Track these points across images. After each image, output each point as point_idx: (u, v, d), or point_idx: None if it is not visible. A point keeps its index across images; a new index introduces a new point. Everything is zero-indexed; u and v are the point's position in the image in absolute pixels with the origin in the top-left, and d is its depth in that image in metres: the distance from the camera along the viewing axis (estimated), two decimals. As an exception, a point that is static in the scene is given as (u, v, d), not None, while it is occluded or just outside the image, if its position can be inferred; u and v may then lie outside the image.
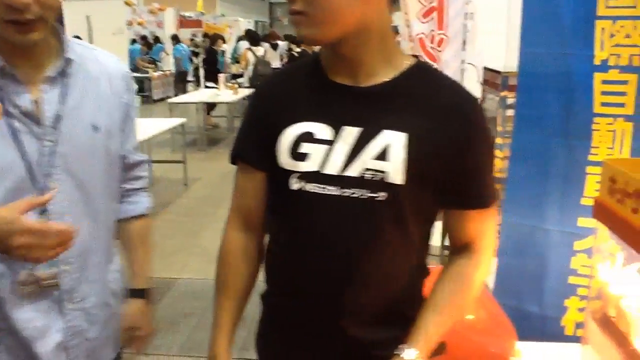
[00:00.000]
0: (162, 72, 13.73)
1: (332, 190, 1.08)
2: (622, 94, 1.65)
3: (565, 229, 1.71)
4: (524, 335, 1.64)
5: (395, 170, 1.05)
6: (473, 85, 2.96)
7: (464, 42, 3.30)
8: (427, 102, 1.09)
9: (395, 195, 1.06)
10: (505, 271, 1.82)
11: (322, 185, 1.08)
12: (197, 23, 16.79)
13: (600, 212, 1.26)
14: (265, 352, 1.26)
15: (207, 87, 9.89)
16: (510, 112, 1.97)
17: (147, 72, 13.14)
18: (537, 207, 1.75)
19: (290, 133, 1.11)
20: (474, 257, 1.16)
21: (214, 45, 10.85)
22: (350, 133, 1.08)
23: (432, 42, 3.37)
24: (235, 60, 11.84)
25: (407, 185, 1.06)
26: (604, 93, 1.66)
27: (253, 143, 1.18)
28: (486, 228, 1.17)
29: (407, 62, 1.12)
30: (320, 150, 1.09)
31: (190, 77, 13.44)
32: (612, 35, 1.64)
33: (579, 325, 1.75)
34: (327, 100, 1.12)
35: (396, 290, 1.14)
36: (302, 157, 1.10)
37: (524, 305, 1.78)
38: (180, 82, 12.89)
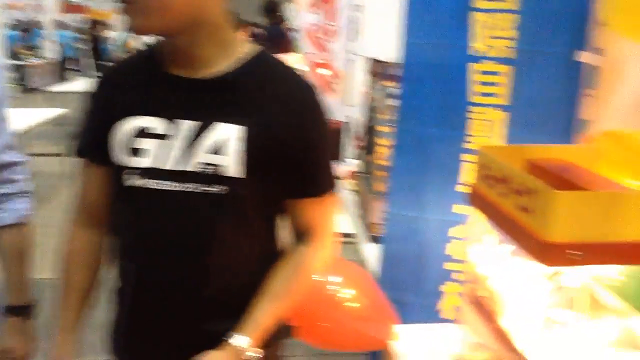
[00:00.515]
0: (43, 60, 12.87)
1: (168, 185, 1.06)
2: (496, 84, 1.72)
3: (442, 216, 1.76)
4: (404, 323, 1.68)
5: (233, 164, 1.05)
6: (361, 76, 2.99)
7: (353, 34, 3.33)
8: (264, 93, 1.08)
9: (234, 189, 1.06)
10: (388, 261, 1.84)
11: (158, 181, 1.06)
12: (82, 9, 15.90)
13: (474, 198, 1.29)
14: (117, 348, 1.22)
15: (91, 76, 9.40)
16: (392, 102, 1.99)
17: (25, 60, 12.26)
18: (417, 196, 1.78)
19: (124, 128, 1.08)
20: (312, 244, 1.16)
21: (97, 32, 10.33)
22: (186, 127, 1.06)
23: (321, 33, 3.37)
24: (122, 48, 11.34)
25: (247, 178, 1.06)
26: (478, 83, 1.72)
27: (91, 137, 1.16)
28: (325, 215, 1.17)
29: (247, 53, 1.11)
30: (156, 145, 1.07)
31: (75, 65, 12.72)
32: (487, 27, 1.69)
33: (453, 309, 1.80)
34: (162, 93, 1.09)
35: (243, 281, 1.13)
36: (137, 152, 1.07)
37: (405, 294, 1.81)
38: (63, 70, 12.16)
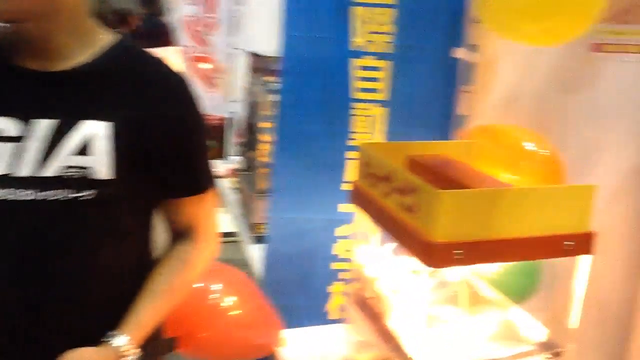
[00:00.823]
0: None
1: (26, 194, 0.93)
2: (376, 80, 1.70)
3: (328, 216, 1.72)
4: (292, 327, 1.63)
5: (101, 165, 0.94)
6: (243, 71, 2.90)
7: (234, 27, 3.22)
8: (131, 85, 0.98)
9: (104, 192, 0.95)
10: (273, 263, 1.77)
11: (14, 190, 0.93)
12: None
13: (357, 196, 1.26)
14: None
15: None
16: (273, 98, 1.92)
17: None
18: (302, 195, 1.73)
19: None
20: (194, 243, 1.09)
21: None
22: (44, 126, 0.94)
23: (200, 26, 3.24)
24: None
25: (117, 180, 0.95)
26: (359, 79, 1.69)
27: None
28: (206, 213, 1.11)
29: (108, 41, 1.00)
30: (8, 150, 0.93)
31: None
32: (366, 22, 1.67)
33: (340, 308, 1.77)
34: (12, 90, 0.96)
35: (120, 287, 1.04)
36: None
37: (292, 297, 1.75)
38: None
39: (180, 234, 1.10)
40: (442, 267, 0.94)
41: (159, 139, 0.99)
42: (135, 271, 1.06)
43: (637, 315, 1.29)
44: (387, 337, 1.16)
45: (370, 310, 1.26)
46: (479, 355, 1.09)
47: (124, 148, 0.95)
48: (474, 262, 0.96)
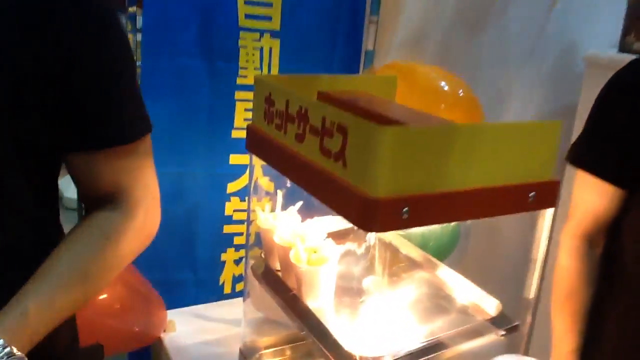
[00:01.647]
0: None
1: None
2: (269, 5, 1.40)
3: (216, 169, 1.42)
4: (180, 306, 1.37)
5: None
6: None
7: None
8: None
9: None
10: (154, 241, 1.43)
11: None
12: None
13: (255, 142, 0.98)
14: None
15: None
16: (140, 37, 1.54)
17: None
18: (182, 147, 1.39)
19: None
20: (121, 210, 0.80)
21: None
22: None
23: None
24: None
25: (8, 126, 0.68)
26: (248, 3, 1.39)
27: None
28: (137, 169, 0.82)
29: None
30: None
31: None
32: None
33: (237, 280, 1.51)
34: None
35: (11, 274, 0.72)
36: None
37: (177, 272, 1.45)
38: None
39: (100, 200, 0.80)
40: (385, 230, 0.70)
41: (52, 69, 0.70)
42: (33, 254, 0.74)
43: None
44: (299, 314, 0.92)
45: (275, 282, 1.01)
46: (415, 333, 0.88)
47: (18, 84, 0.67)
48: (424, 223, 0.73)
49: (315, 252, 0.90)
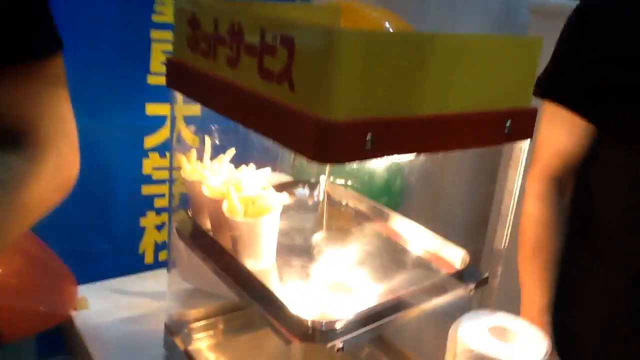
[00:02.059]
0: None
1: None
2: None
3: (131, 121, 1.23)
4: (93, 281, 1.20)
5: None
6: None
7: None
8: None
9: None
10: (61, 205, 1.23)
11: None
12: None
13: (175, 74, 0.82)
14: None
15: None
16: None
17: None
18: (83, 96, 1.17)
19: None
20: (29, 153, 0.65)
21: None
22: None
23: None
24: None
25: None
26: None
27: None
28: (47, 100, 0.67)
29: None
30: None
31: None
32: None
33: (159, 248, 1.34)
34: None
35: None
36: None
37: (89, 241, 1.25)
38: None
39: (3, 144, 0.64)
40: (346, 160, 0.56)
41: None
42: None
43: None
44: (237, 278, 0.77)
45: (206, 243, 0.86)
46: (373, 293, 0.75)
47: None
48: (391, 152, 0.59)
49: (253, 202, 0.76)
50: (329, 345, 0.64)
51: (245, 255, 0.77)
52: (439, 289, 0.77)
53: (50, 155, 0.65)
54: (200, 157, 0.89)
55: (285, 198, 0.77)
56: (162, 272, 1.33)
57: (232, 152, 0.90)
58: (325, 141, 0.55)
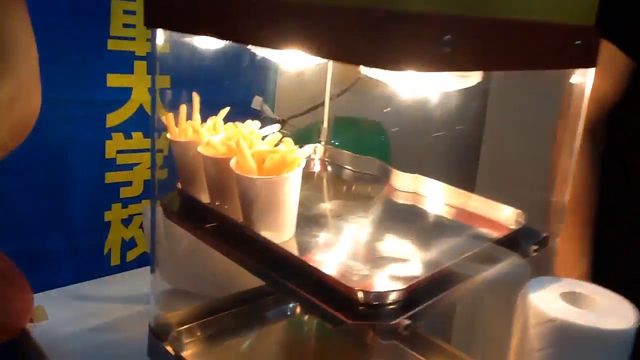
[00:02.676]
0: None
1: None
2: None
3: (89, 94, 1.04)
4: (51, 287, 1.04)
5: None
6: None
7: None
8: None
9: None
10: (4, 186, 1.03)
11: None
12: None
13: (155, 5, 0.66)
14: None
15: None
16: None
17: None
18: (41, 66, 0.99)
19: None
20: None
21: None
22: None
23: None
24: None
25: None
26: None
27: None
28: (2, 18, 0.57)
29: None
30: None
31: None
32: None
33: (127, 246, 1.15)
34: None
35: None
36: None
37: (45, 242, 1.05)
38: None
39: None
40: (419, 69, 0.42)
41: None
42: None
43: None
44: (262, 254, 0.62)
45: (206, 215, 0.70)
46: (417, 263, 0.62)
47: None
48: (468, 63, 0.46)
49: (272, 159, 0.60)
50: (396, 321, 0.50)
51: (263, 225, 0.61)
52: (498, 252, 0.64)
53: (8, 83, 0.49)
54: (188, 116, 0.74)
55: (308, 150, 0.62)
56: (130, 274, 1.15)
57: (225, 110, 0.74)
58: (393, 38, 0.41)
